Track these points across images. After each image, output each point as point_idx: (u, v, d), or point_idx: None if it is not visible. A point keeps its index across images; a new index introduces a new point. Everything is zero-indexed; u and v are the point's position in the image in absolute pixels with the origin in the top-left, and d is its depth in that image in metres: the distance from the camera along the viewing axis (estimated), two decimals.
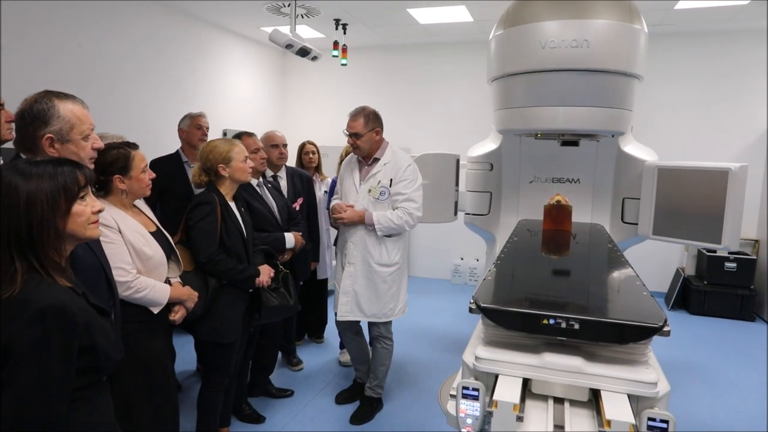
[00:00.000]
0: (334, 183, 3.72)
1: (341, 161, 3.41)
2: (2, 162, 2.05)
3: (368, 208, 2.82)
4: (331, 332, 4.21)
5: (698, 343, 4.41)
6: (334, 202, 3.00)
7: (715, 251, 5.01)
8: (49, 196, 1.19)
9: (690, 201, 2.97)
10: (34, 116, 1.48)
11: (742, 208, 2.87)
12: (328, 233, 3.96)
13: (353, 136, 2.80)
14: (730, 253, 4.98)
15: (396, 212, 2.78)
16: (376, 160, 2.87)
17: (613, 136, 3.05)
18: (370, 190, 2.82)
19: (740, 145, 5.30)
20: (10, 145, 2.11)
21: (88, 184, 1.29)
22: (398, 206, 2.80)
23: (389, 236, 2.85)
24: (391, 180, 2.82)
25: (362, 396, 3.14)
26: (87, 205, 1.28)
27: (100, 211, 1.33)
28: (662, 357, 3.89)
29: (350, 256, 2.88)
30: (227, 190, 2.43)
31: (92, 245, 1.58)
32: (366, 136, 2.79)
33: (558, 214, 3.10)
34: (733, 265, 5.02)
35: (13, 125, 2.04)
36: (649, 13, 4.53)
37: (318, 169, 3.93)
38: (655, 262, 5.52)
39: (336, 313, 2.97)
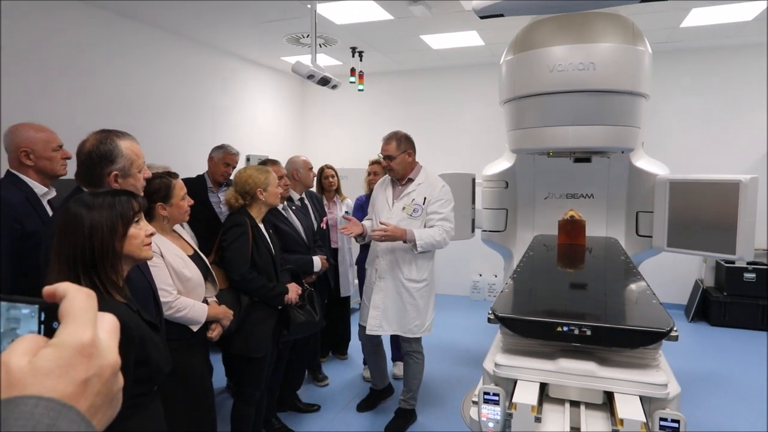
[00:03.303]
0: (357, 202, 3.89)
1: (370, 180, 3.57)
2: (55, 193, 2.25)
3: (399, 225, 2.87)
4: (354, 349, 4.31)
5: (720, 354, 4.41)
6: (365, 222, 3.09)
7: (733, 262, 5.00)
8: (109, 222, 1.37)
9: (703, 213, 3.03)
10: (102, 156, 1.64)
11: (754, 219, 2.93)
12: (350, 252, 4.09)
13: (387, 158, 2.96)
14: (748, 263, 4.97)
15: (435, 229, 2.86)
16: (410, 180, 3.01)
17: (623, 152, 3.15)
18: (404, 208, 2.93)
19: (751, 157, 5.32)
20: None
21: (141, 210, 1.46)
22: (435, 224, 2.87)
23: (422, 253, 2.91)
24: (424, 198, 2.93)
25: (397, 408, 3.23)
26: (141, 228, 1.45)
27: (152, 234, 1.49)
28: (684, 368, 3.95)
29: (381, 270, 2.98)
30: (257, 213, 2.60)
31: (142, 268, 1.74)
32: (399, 158, 2.94)
33: (572, 228, 3.20)
34: (752, 275, 5.01)
35: (66, 162, 2.24)
36: (655, 32, 4.65)
37: (338, 190, 4.11)
38: (673, 274, 5.53)
39: (360, 326, 3.11)
